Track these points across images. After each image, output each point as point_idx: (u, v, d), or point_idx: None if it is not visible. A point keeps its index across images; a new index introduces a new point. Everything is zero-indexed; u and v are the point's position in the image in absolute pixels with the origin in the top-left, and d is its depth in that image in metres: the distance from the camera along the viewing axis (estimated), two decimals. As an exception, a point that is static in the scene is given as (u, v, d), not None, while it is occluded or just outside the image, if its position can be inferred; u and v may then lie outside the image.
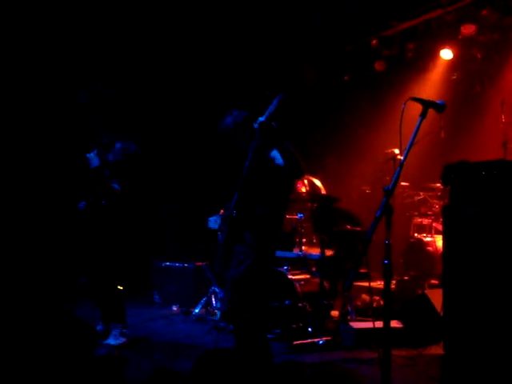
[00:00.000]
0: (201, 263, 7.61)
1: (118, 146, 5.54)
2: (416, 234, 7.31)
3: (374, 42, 8.18)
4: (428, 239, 7.00)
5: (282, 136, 3.76)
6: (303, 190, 6.33)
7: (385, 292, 3.19)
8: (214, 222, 6.13)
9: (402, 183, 7.11)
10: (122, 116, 8.26)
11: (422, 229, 7.34)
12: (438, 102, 3.26)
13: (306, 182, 6.35)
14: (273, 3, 8.33)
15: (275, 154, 3.78)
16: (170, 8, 8.31)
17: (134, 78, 8.40)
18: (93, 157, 5.23)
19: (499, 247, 4.43)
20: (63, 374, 3.47)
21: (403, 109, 3.16)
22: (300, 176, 3.95)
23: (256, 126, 3.69)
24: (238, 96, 8.02)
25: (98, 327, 5.64)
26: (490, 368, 4.26)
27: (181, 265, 7.79)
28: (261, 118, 3.68)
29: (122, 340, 5.32)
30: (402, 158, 3.07)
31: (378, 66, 8.45)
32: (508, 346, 4.20)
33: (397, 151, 6.55)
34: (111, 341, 5.27)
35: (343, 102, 8.78)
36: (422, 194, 7.31)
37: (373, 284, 6.71)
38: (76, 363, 3.59)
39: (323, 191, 6.40)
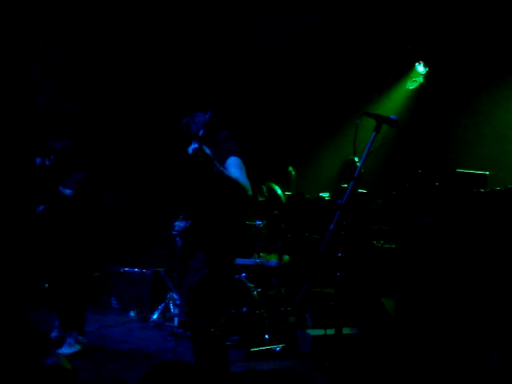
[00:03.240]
0: (159, 269, 7.61)
1: (61, 145, 5.51)
2: (374, 242, 7.43)
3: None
4: (385, 246, 7.13)
5: (214, 162, 3.69)
6: (262, 198, 6.40)
7: (337, 303, 3.27)
8: (178, 228, 6.15)
9: (360, 190, 7.23)
10: (85, 118, 8.27)
11: (379, 235, 7.45)
12: (391, 116, 3.35)
13: (265, 189, 6.41)
14: (236, 10, 8.42)
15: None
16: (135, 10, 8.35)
17: (97, 79, 8.38)
18: (40, 161, 5.19)
19: (453, 256, 4.56)
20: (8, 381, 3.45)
21: (358, 124, 3.25)
22: (243, 201, 3.92)
23: (190, 152, 3.63)
24: (198, 98, 8.09)
25: (53, 334, 5.60)
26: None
27: (139, 270, 7.77)
28: (194, 145, 3.61)
29: (76, 348, 5.27)
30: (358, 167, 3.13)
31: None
32: (460, 352, 4.34)
33: (356, 159, 6.67)
34: (65, 349, 5.21)
35: (307, 109, 8.86)
36: (379, 200, 7.43)
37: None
38: (23, 372, 3.56)
39: (283, 199, 6.47)
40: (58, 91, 8.14)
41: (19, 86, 7.67)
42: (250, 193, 3.84)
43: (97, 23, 8.30)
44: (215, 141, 3.97)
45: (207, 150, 3.63)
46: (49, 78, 8.06)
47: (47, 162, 5.21)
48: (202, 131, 3.67)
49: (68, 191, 5.30)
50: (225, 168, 3.81)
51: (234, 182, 3.76)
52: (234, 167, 3.87)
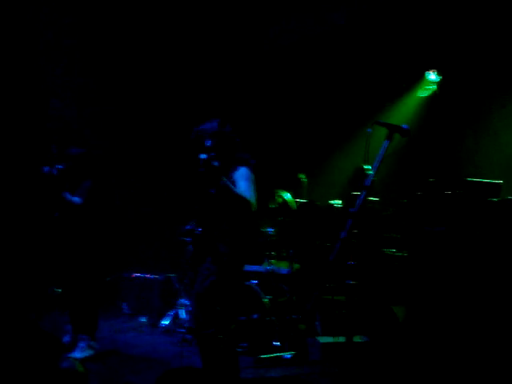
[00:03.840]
0: (170, 275, 7.63)
1: (75, 151, 5.56)
2: (385, 250, 7.41)
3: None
4: (396, 254, 7.11)
5: (221, 174, 3.74)
6: (274, 205, 6.41)
7: (348, 310, 3.27)
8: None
9: (371, 198, 7.22)
10: (94, 121, 8.34)
11: (391, 244, 7.44)
12: (402, 126, 3.37)
13: (277, 196, 6.43)
14: (248, 15, 8.46)
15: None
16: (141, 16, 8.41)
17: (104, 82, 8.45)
18: (48, 170, 5.24)
19: (465, 265, 4.55)
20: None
21: (369, 133, 3.27)
22: (246, 209, 3.93)
23: (200, 162, 3.66)
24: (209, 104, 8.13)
25: (66, 338, 5.64)
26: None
27: (150, 276, 7.79)
28: (204, 156, 3.65)
29: (88, 353, 5.33)
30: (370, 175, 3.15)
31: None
32: (470, 360, 4.32)
33: (368, 166, 6.67)
34: (77, 353, 5.27)
35: (319, 117, 8.88)
36: (391, 208, 7.42)
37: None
38: (36, 375, 3.59)
39: (294, 206, 6.47)
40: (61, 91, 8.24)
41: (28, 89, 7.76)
42: (254, 208, 3.87)
43: (102, 26, 8.36)
44: (226, 149, 3.98)
45: (215, 163, 3.65)
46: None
47: (54, 172, 5.25)
48: (210, 141, 3.71)
49: (76, 199, 5.35)
50: (233, 180, 3.83)
51: (239, 197, 3.78)
52: (243, 180, 3.89)
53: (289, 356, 5.53)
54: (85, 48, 8.34)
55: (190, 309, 6.66)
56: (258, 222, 4.51)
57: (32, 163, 6.58)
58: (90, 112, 8.38)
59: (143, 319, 7.46)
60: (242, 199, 3.80)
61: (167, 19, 8.51)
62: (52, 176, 5.23)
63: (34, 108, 7.88)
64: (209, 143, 3.71)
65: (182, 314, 6.86)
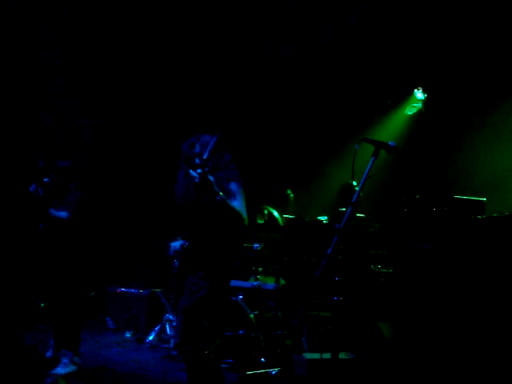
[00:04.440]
0: (156, 289, 7.59)
1: (62, 165, 5.55)
2: (372, 266, 7.44)
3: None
4: (382, 270, 7.13)
5: (216, 191, 3.75)
6: (261, 220, 6.42)
7: (334, 327, 3.27)
8: (174, 248, 6.15)
9: (358, 215, 7.25)
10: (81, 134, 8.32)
11: (377, 260, 7.46)
12: (389, 143, 3.39)
13: (265, 212, 6.44)
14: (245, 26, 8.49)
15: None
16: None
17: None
18: (34, 189, 5.21)
19: (450, 282, 4.58)
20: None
21: (356, 150, 3.29)
22: (240, 229, 3.95)
23: (196, 179, 3.67)
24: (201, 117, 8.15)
25: (48, 353, 5.59)
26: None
27: (136, 291, 7.74)
28: (199, 170, 3.65)
29: (71, 368, 5.25)
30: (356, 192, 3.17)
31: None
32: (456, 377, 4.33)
33: (354, 183, 6.71)
34: (60, 369, 5.20)
35: (307, 133, 8.93)
36: (376, 225, 7.45)
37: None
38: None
39: (280, 223, 6.49)
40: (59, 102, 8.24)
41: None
42: (247, 222, 3.89)
43: (101, 34, 8.38)
44: (218, 163, 3.99)
45: (211, 178, 3.67)
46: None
47: (40, 192, 5.22)
48: (207, 154, 3.71)
49: (63, 214, 5.32)
50: (226, 193, 3.84)
51: (233, 212, 3.81)
52: (235, 194, 3.91)
53: (274, 372, 5.51)
54: (78, 61, 8.34)
55: (175, 324, 6.63)
56: (244, 237, 4.52)
57: (19, 175, 6.55)
58: (79, 125, 8.36)
59: (128, 334, 7.40)
60: (236, 214, 3.83)
61: (165, 27, 8.52)
62: (38, 194, 5.21)
63: (23, 119, 7.88)
64: (206, 155, 3.72)
65: (168, 329, 6.83)
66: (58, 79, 8.29)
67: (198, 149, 4.01)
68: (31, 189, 5.21)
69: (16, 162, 7.27)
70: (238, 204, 3.87)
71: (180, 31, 8.54)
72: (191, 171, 3.66)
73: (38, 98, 8.08)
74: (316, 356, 5.58)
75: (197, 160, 3.73)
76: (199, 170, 3.63)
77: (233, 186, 3.93)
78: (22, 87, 7.85)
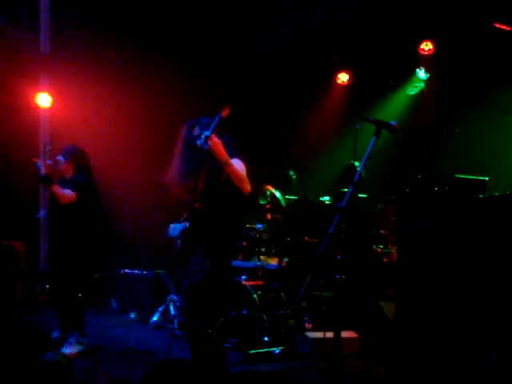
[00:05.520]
0: (159, 271, 7.64)
1: (65, 148, 5.59)
2: (374, 246, 7.47)
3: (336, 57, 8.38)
4: (385, 250, 7.17)
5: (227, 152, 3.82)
6: (264, 201, 6.44)
7: (337, 306, 3.30)
8: (173, 230, 6.19)
9: (360, 195, 7.27)
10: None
11: (379, 240, 7.49)
12: (390, 122, 3.38)
13: (267, 193, 6.46)
14: (238, 13, 8.49)
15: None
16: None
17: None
18: (40, 165, 5.24)
19: (452, 261, 4.59)
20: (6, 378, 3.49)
21: (357, 129, 3.30)
22: (244, 192, 3.99)
23: (201, 141, 3.72)
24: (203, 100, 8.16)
25: (54, 334, 5.65)
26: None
27: (139, 272, 7.79)
28: (206, 133, 3.72)
29: (77, 348, 5.33)
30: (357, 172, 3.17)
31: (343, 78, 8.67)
32: (460, 356, 4.36)
33: (356, 163, 6.71)
34: (66, 349, 5.26)
35: (308, 113, 8.91)
36: (379, 205, 7.47)
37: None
38: (20, 368, 3.61)
39: (283, 203, 6.51)
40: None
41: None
42: (250, 189, 3.94)
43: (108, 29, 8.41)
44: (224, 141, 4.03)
45: (218, 139, 3.73)
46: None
47: (42, 172, 5.25)
48: (210, 130, 3.74)
49: (68, 191, 5.35)
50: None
51: (240, 175, 3.86)
52: (238, 166, 3.96)
53: (278, 351, 5.57)
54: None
55: (179, 304, 6.69)
56: (244, 216, 4.56)
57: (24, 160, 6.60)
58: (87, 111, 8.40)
59: (132, 315, 7.46)
60: (242, 177, 3.89)
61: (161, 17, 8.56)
62: (47, 168, 5.24)
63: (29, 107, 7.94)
64: (209, 132, 3.75)
65: (172, 309, 6.89)
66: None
67: (198, 131, 4.03)
68: (38, 164, 5.23)
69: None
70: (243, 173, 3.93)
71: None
72: (198, 141, 3.70)
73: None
74: (319, 335, 5.64)
75: (199, 140, 3.76)
76: (207, 133, 3.67)
77: (235, 161, 3.97)
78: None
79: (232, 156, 3.98)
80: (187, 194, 4.06)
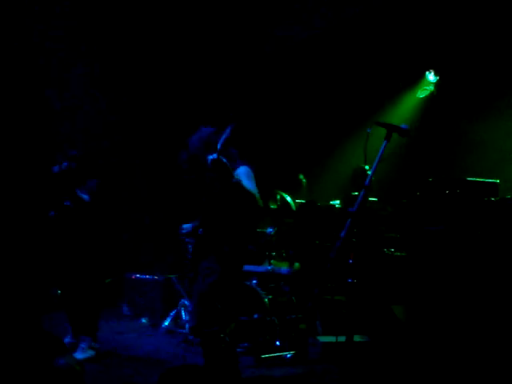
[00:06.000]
0: (171, 275, 7.65)
1: (75, 152, 5.62)
2: (385, 249, 7.44)
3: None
4: (396, 254, 7.14)
5: (231, 172, 3.82)
6: (274, 205, 6.44)
7: (349, 310, 3.30)
8: (185, 231, 6.21)
9: (371, 198, 7.26)
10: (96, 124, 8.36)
11: (390, 243, 7.47)
12: (401, 126, 3.38)
13: (277, 197, 6.46)
14: (247, 17, 8.49)
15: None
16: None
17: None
18: (57, 169, 5.28)
19: (464, 264, 4.58)
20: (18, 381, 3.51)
21: (368, 133, 3.30)
22: (255, 211, 3.98)
23: (209, 162, 3.75)
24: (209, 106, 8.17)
25: (66, 339, 5.66)
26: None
27: (151, 277, 7.80)
28: (213, 155, 3.73)
29: (90, 353, 5.35)
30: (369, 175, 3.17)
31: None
32: (471, 359, 4.35)
33: (366, 167, 6.71)
34: (79, 354, 5.28)
35: (318, 117, 8.91)
36: (389, 208, 7.45)
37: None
38: (33, 372, 3.62)
39: (293, 207, 6.51)
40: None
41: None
42: (261, 204, 3.93)
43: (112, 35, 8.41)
44: (228, 154, 4.04)
45: (224, 159, 3.72)
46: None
47: (64, 167, 5.28)
48: (219, 145, 3.76)
49: (85, 196, 5.39)
50: (237, 178, 3.88)
51: (248, 193, 3.85)
52: (246, 177, 3.95)
53: (289, 355, 5.56)
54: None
55: (191, 309, 6.70)
56: (258, 221, 4.56)
57: (36, 164, 6.63)
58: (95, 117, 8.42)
59: (144, 320, 7.48)
60: (251, 195, 3.88)
61: (168, 20, 8.53)
62: (62, 173, 5.28)
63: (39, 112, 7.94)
64: (219, 146, 3.77)
65: (183, 314, 6.89)
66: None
67: (196, 144, 4.06)
68: (55, 169, 5.27)
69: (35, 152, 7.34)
70: (251, 186, 3.92)
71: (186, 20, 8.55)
72: (208, 157, 3.72)
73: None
74: (330, 339, 5.62)
75: (208, 156, 3.79)
76: (213, 156, 3.69)
77: (242, 169, 3.98)
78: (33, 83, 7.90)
79: (239, 164, 4.01)
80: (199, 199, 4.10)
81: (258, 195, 3.94)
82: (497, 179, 4.88)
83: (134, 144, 8.67)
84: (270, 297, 5.88)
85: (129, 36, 8.55)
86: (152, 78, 8.85)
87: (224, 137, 3.81)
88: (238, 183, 3.81)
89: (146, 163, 8.77)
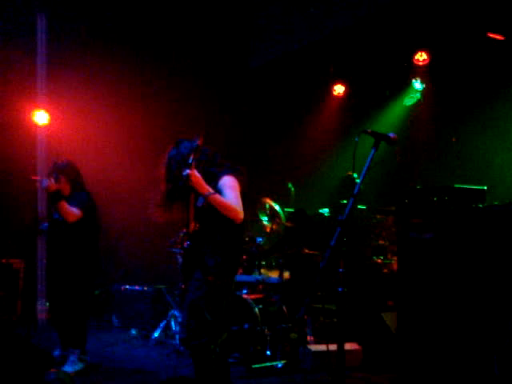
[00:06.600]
0: (160, 286, 7.62)
1: (63, 165, 5.58)
2: (374, 257, 7.47)
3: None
4: (385, 261, 7.16)
5: (205, 186, 3.80)
6: (263, 215, 6.44)
7: (339, 318, 3.30)
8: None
9: (359, 206, 7.28)
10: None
11: (379, 251, 7.49)
12: (389, 134, 3.40)
13: (266, 206, 6.46)
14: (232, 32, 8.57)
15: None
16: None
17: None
18: (46, 182, 5.24)
19: (453, 271, 4.59)
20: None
21: (356, 142, 3.30)
22: (235, 221, 3.96)
23: (184, 177, 3.75)
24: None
25: (56, 353, 5.62)
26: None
27: (140, 288, 7.77)
28: (186, 171, 3.74)
29: (79, 366, 5.30)
30: (357, 183, 3.18)
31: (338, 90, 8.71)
32: (461, 364, 4.36)
33: (355, 175, 6.73)
34: (68, 367, 5.24)
35: (306, 126, 8.94)
36: (378, 216, 7.48)
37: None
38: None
39: (282, 216, 6.51)
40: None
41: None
42: (242, 216, 3.88)
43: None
44: (208, 163, 4.04)
45: (198, 175, 3.73)
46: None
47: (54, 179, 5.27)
48: (190, 159, 3.76)
49: (75, 209, 5.34)
50: (218, 189, 3.87)
51: (225, 206, 3.82)
52: (227, 188, 3.92)
53: (280, 365, 5.55)
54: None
55: (181, 320, 6.67)
56: (245, 232, 4.54)
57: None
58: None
59: (134, 331, 7.43)
60: (229, 207, 3.84)
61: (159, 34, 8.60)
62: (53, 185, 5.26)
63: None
64: (190, 160, 3.77)
65: (173, 325, 6.86)
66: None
67: (178, 157, 4.05)
68: (44, 183, 5.24)
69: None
70: (231, 197, 3.88)
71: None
72: (183, 173, 3.72)
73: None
74: (321, 348, 5.62)
75: (180, 181, 3.80)
76: (186, 171, 3.70)
77: (225, 180, 3.95)
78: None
79: (222, 174, 3.99)
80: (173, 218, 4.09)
81: (238, 206, 3.88)
82: (484, 186, 4.90)
83: (120, 154, 8.65)
84: (261, 306, 5.87)
85: (118, 48, 8.59)
86: (144, 87, 8.88)
87: (190, 159, 3.80)
88: (213, 197, 3.80)
89: (132, 172, 8.74)
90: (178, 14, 8.66)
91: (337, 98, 8.80)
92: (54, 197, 5.25)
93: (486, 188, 4.87)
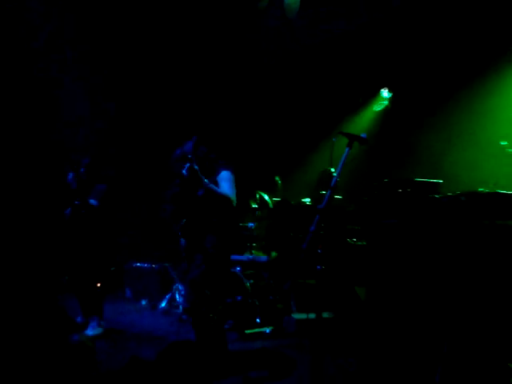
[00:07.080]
0: (166, 263, 7.66)
1: (85, 161, 5.59)
2: (348, 240, 7.51)
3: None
4: (357, 243, 7.21)
5: (201, 177, 3.85)
6: (254, 204, 6.48)
7: (318, 292, 3.35)
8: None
9: (336, 196, 7.32)
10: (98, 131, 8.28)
11: (353, 234, 7.53)
12: (361, 135, 3.45)
13: (257, 196, 6.50)
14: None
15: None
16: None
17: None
18: (71, 180, 5.27)
19: (414, 252, 4.65)
20: (39, 354, 3.52)
21: (334, 142, 3.35)
22: (230, 211, 4.01)
23: (184, 172, 3.79)
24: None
25: (78, 319, 5.66)
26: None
27: (149, 265, 7.81)
28: (187, 164, 3.78)
29: (98, 331, 5.36)
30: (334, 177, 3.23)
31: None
32: (417, 337, 4.42)
33: (332, 170, 6.77)
34: (89, 331, 5.31)
35: (291, 127, 8.95)
36: (352, 205, 7.51)
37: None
38: (52, 346, 3.63)
39: (270, 205, 6.56)
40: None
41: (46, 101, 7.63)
42: (235, 204, 3.97)
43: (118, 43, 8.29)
44: (206, 160, 4.08)
45: (196, 166, 3.77)
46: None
47: (73, 184, 5.29)
48: (190, 155, 3.81)
49: (94, 202, 5.37)
50: (216, 181, 3.93)
51: (220, 196, 3.89)
52: (225, 181, 3.99)
53: (268, 331, 5.61)
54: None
55: (184, 292, 6.71)
56: (239, 217, 4.60)
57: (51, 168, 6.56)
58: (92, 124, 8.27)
59: (144, 302, 7.47)
60: (223, 197, 3.91)
61: (167, 32, 8.34)
62: (75, 182, 5.27)
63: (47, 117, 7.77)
64: (190, 156, 3.81)
65: (177, 297, 6.90)
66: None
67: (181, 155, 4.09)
68: (69, 176, 5.26)
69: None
70: (227, 188, 3.94)
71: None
72: (183, 170, 3.76)
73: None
74: (303, 316, 5.68)
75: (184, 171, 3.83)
76: (187, 164, 3.74)
77: (223, 174, 4.01)
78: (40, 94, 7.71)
79: (220, 168, 4.04)
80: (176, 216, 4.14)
81: (233, 196, 3.96)
82: (439, 180, 4.96)
83: (137, 150, 8.61)
84: (252, 281, 5.92)
85: (130, 49, 8.37)
86: (156, 86, 8.70)
87: (189, 148, 3.85)
88: (208, 187, 3.85)
89: (146, 168, 8.71)
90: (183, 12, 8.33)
91: (319, 103, 8.80)
92: (78, 189, 5.26)
93: (441, 181, 4.94)
